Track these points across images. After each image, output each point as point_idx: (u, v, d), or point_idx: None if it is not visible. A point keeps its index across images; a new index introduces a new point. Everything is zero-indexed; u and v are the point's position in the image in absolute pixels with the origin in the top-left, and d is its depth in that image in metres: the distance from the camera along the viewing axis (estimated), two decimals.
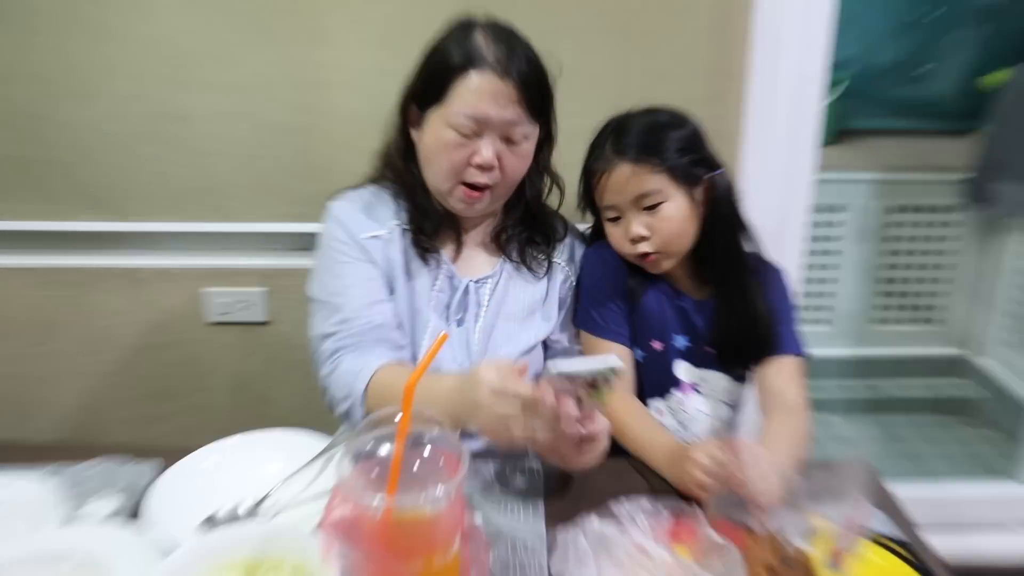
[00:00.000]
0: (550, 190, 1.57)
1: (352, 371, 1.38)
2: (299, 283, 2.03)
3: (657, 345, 1.53)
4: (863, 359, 3.44)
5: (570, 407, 1.12)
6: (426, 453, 0.96)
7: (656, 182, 1.43)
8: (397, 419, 0.94)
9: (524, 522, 1.20)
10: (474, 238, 1.55)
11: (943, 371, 3.41)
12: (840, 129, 3.33)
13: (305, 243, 1.53)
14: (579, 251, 1.59)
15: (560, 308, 1.56)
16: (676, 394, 1.55)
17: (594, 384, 1.10)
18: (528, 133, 1.41)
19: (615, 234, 1.49)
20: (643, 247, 1.46)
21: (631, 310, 1.53)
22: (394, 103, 1.51)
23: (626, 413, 1.42)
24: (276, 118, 2.01)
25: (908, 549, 1.15)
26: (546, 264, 1.55)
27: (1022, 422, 2.84)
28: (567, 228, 1.60)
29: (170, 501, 1.19)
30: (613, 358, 1.10)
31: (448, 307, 1.51)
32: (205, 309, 2.16)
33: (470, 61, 1.35)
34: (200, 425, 2.28)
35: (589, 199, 1.53)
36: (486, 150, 1.37)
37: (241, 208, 2.10)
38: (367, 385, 1.35)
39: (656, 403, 1.55)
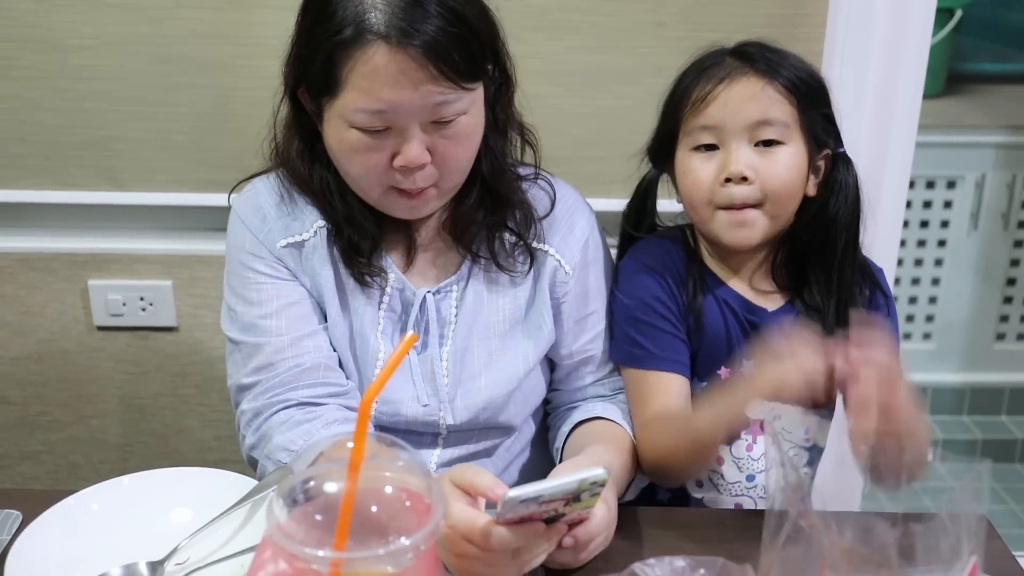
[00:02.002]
0: (522, 150, 1.55)
1: (288, 452, 1.38)
2: (216, 274, 2.02)
3: (724, 373, 1.55)
4: (977, 387, 3.45)
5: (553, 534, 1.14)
6: (387, 492, 0.95)
7: (786, 113, 1.44)
8: (348, 447, 0.93)
9: None
10: (426, 235, 1.54)
11: None
12: (950, 74, 3.34)
13: (224, 221, 1.53)
14: (583, 223, 1.57)
15: (557, 312, 1.55)
16: (744, 438, 1.57)
17: (577, 498, 1.11)
18: (463, 107, 1.35)
19: (699, 170, 1.47)
20: (742, 192, 1.44)
21: (690, 331, 1.55)
22: None
23: (666, 427, 1.47)
24: (183, 48, 2.01)
25: None
26: (526, 255, 1.53)
27: None
28: (555, 195, 1.56)
29: (36, 564, 1.17)
30: (598, 470, 1.10)
31: (403, 330, 1.51)
32: (92, 308, 2.16)
33: (355, 34, 1.29)
34: (82, 465, 2.28)
35: (670, 131, 1.51)
36: (408, 148, 1.34)
37: (137, 173, 2.10)
38: None
39: (720, 451, 1.56)
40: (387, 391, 1.47)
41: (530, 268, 1.53)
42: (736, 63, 1.46)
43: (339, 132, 1.36)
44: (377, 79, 1.30)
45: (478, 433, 1.54)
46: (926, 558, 0.96)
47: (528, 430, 1.62)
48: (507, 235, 1.51)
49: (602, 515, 1.19)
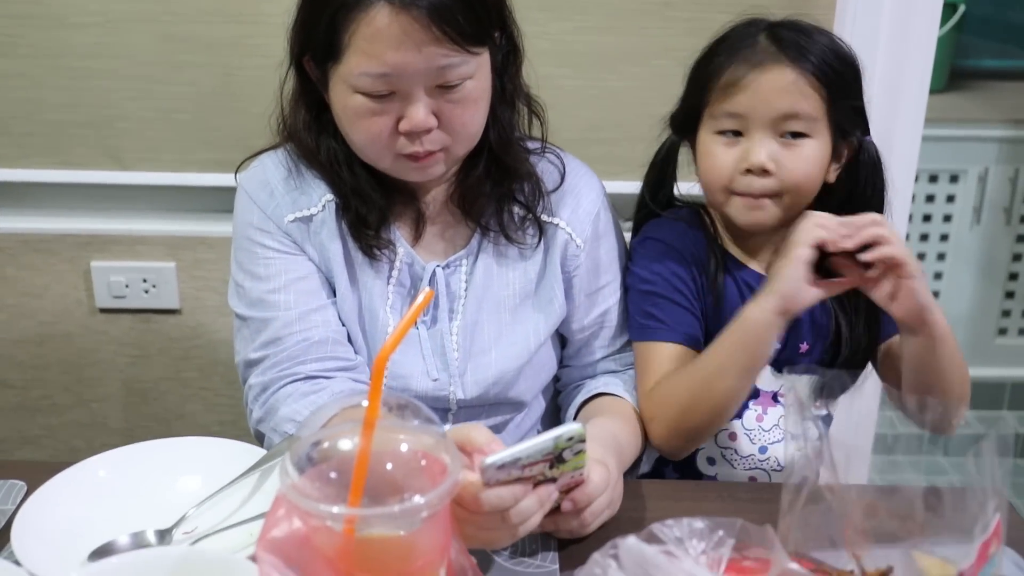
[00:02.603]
0: (530, 121, 1.54)
1: (293, 423, 1.37)
2: (220, 256, 2.00)
3: None
4: (979, 382, 3.41)
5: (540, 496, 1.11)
6: (403, 451, 0.94)
7: (815, 107, 1.43)
8: (363, 406, 0.92)
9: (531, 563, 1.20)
10: (434, 208, 1.52)
11: None
12: (953, 70, 3.33)
13: (228, 202, 1.52)
14: (593, 195, 1.56)
15: (568, 286, 1.54)
16: (753, 408, 1.56)
17: (560, 458, 1.09)
18: (469, 71, 1.34)
19: (721, 156, 1.47)
20: (761, 183, 1.45)
21: (710, 312, 1.54)
22: None
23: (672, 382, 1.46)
24: (189, 27, 2.00)
25: None
26: (536, 227, 1.52)
27: None
28: (564, 169, 1.55)
29: (43, 530, 1.16)
30: (573, 425, 1.10)
31: (412, 304, 1.48)
32: (94, 290, 2.16)
33: None
34: (83, 450, 2.25)
35: (696, 106, 1.51)
36: (413, 112, 1.33)
37: (141, 153, 2.09)
38: None
39: (733, 426, 1.57)
40: (397, 365, 1.47)
41: (540, 241, 1.52)
42: (770, 48, 1.44)
43: (344, 98, 1.35)
44: (380, 41, 1.29)
45: (488, 408, 1.53)
46: (952, 515, 0.95)
47: (538, 406, 1.61)
48: (516, 207, 1.50)
49: (599, 477, 1.18)
